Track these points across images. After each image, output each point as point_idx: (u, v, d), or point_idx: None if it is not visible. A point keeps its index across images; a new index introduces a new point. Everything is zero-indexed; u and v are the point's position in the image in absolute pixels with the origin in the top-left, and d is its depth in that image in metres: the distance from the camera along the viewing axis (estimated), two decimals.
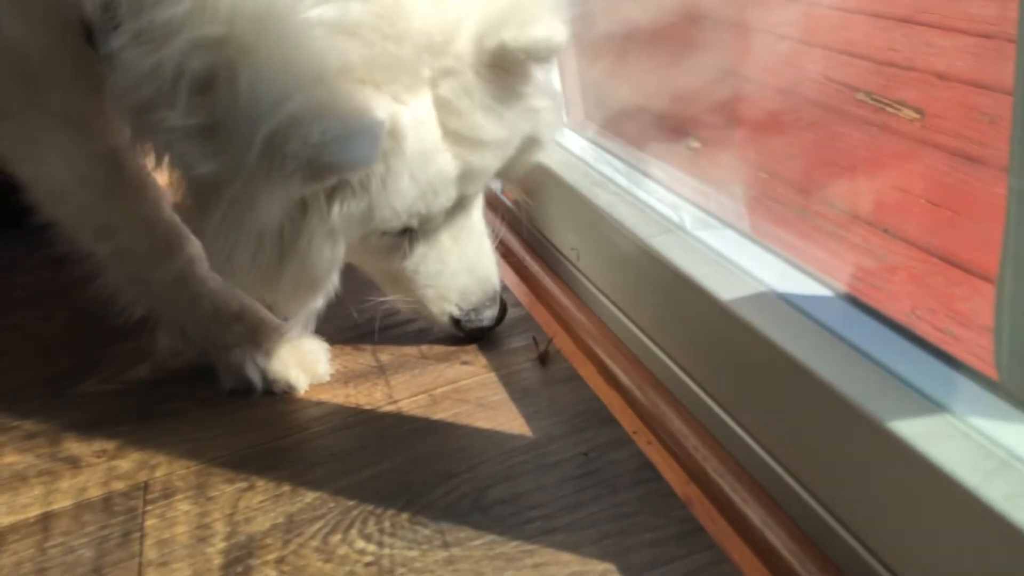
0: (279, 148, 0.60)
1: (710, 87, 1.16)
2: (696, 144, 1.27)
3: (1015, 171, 0.45)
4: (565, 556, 0.68)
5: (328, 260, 0.72)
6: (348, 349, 1.01)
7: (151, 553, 0.75)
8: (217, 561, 0.73)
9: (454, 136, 0.72)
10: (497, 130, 0.73)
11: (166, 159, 0.74)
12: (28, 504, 0.83)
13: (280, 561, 0.72)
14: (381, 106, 0.65)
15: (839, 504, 0.57)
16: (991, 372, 0.51)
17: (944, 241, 1.11)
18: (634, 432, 0.81)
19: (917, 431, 0.49)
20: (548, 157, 0.99)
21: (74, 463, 0.88)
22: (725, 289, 0.66)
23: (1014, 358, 0.47)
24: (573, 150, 0.99)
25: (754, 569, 0.64)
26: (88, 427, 0.94)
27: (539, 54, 0.69)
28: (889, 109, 1.39)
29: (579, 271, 0.96)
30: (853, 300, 0.61)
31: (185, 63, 0.63)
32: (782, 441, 0.63)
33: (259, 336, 0.96)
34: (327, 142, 0.59)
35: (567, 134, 1.03)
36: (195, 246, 0.95)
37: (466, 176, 0.75)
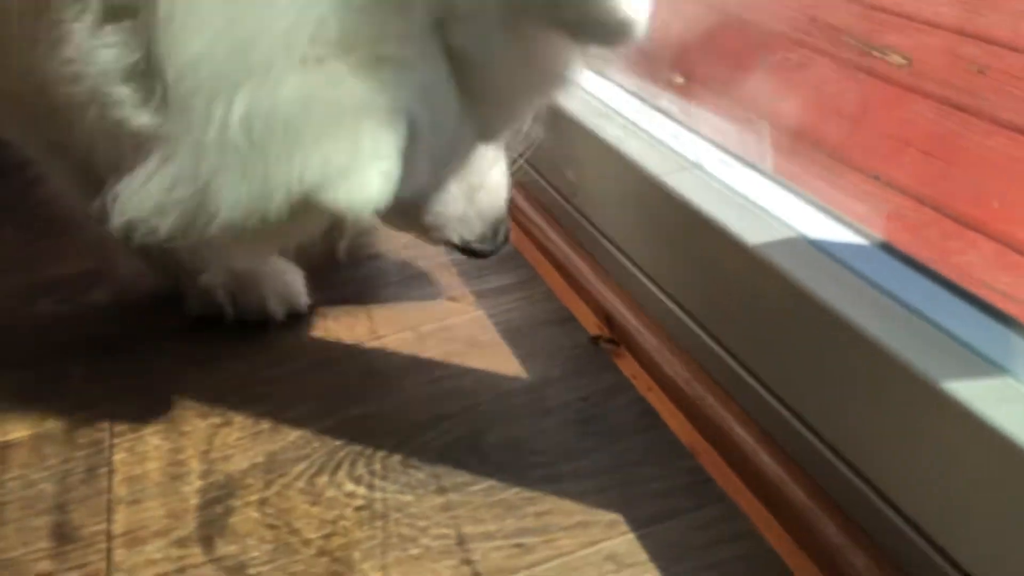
0: (260, 162, 0.45)
1: (692, 20, 1.12)
2: (680, 80, 1.22)
3: None
4: (569, 505, 0.65)
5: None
6: (325, 279, 0.95)
7: (121, 490, 0.70)
8: (194, 501, 0.69)
9: (472, 95, 0.54)
10: (530, 91, 0.58)
11: None
12: None
13: (263, 503, 0.68)
14: (391, 95, 0.47)
15: (869, 464, 0.55)
16: None
17: (937, 192, 1.09)
18: (633, 376, 0.78)
19: (976, 393, 0.46)
20: None
21: (32, 391, 0.82)
22: (751, 233, 0.63)
23: None
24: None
25: (768, 525, 0.62)
26: (46, 352, 0.88)
27: (605, 38, 0.50)
28: (876, 54, 1.35)
29: (575, 208, 0.91)
30: (892, 250, 0.58)
31: None
32: (804, 395, 0.61)
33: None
34: (329, 179, 0.44)
35: None
36: None
37: (486, 134, 0.61)
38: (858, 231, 0.61)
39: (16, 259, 1.04)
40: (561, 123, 0.90)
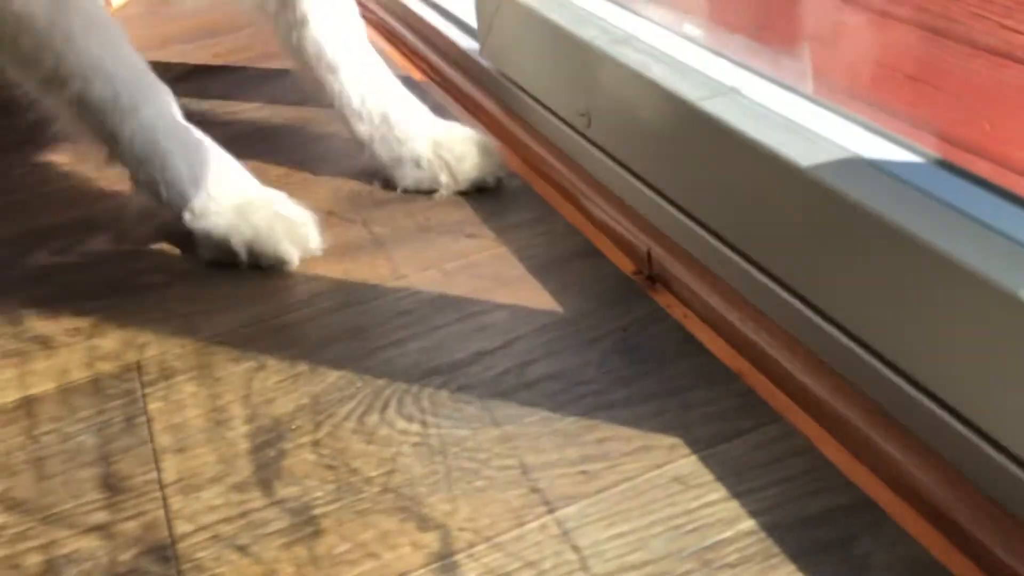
0: None
1: None
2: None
3: None
4: (627, 431, 0.66)
5: None
6: (335, 221, 0.93)
7: (164, 439, 0.69)
8: (243, 446, 0.68)
9: None
10: None
11: None
12: (1, 388, 0.75)
13: (316, 444, 0.67)
14: None
15: (932, 378, 0.56)
16: None
17: (928, 115, 1.11)
18: (668, 306, 0.78)
19: None
20: (551, 12, 0.93)
21: (46, 343, 0.79)
22: (804, 156, 0.63)
23: None
24: (584, 6, 0.92)
25: (824, 441, 0.64)
26: (52, 303, 0.84)
27: None
28: None
29: (588, 140, 0.91)
30: (950, 166, 0.59)
31: None
32: (857, 314, 0.62)
33: (243, 202, 0.88)
34: None
35: None
36: (168, 94, 0.85)
37: None
38: (912, 149, 0.61)
39: (8, 209, 1.00)
40: (571, 52, 0.89)
